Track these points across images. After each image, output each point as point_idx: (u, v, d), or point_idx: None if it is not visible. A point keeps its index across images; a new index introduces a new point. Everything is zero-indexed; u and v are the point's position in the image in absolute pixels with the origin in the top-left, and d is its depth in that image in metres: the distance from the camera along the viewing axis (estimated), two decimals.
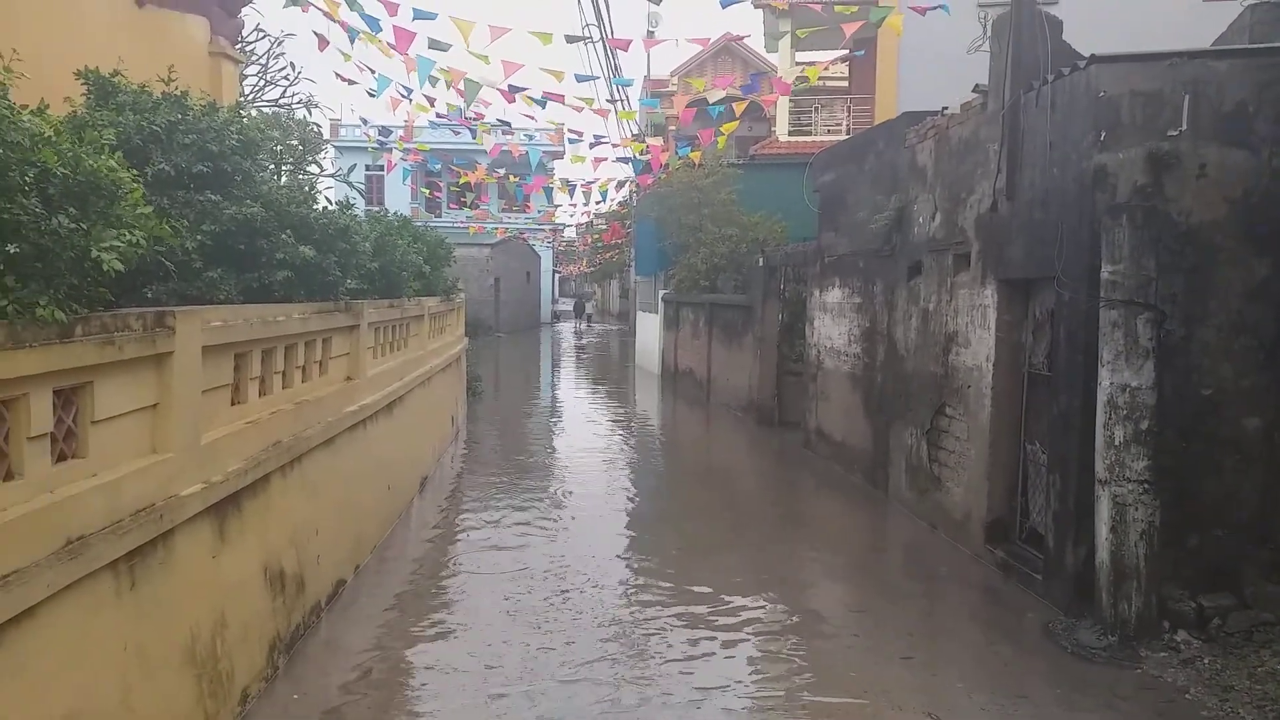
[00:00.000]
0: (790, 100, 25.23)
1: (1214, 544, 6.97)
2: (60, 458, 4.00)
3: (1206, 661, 6.25)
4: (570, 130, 18.45)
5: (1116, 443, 6.66)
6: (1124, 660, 6.43)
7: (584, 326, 53.32)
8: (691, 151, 19.65)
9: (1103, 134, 7.06)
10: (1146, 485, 6.60)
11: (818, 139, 24.35)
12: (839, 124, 26.12)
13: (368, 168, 34.64)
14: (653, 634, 7.02)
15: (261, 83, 20.69)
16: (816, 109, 26.42)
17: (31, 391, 3.68)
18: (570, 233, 60.80)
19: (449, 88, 13.81)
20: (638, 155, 20.13)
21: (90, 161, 3.81)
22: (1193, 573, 6.91)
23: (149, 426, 4.71)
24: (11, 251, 3.52)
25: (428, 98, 16.63)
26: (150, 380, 4.67)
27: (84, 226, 3.76)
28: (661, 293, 25.38)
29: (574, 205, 33.11)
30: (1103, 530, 6.73)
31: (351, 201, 8.99)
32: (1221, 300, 7.00)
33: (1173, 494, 6.83)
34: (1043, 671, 6.45)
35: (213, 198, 6.42)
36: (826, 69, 24.04)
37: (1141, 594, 6.60)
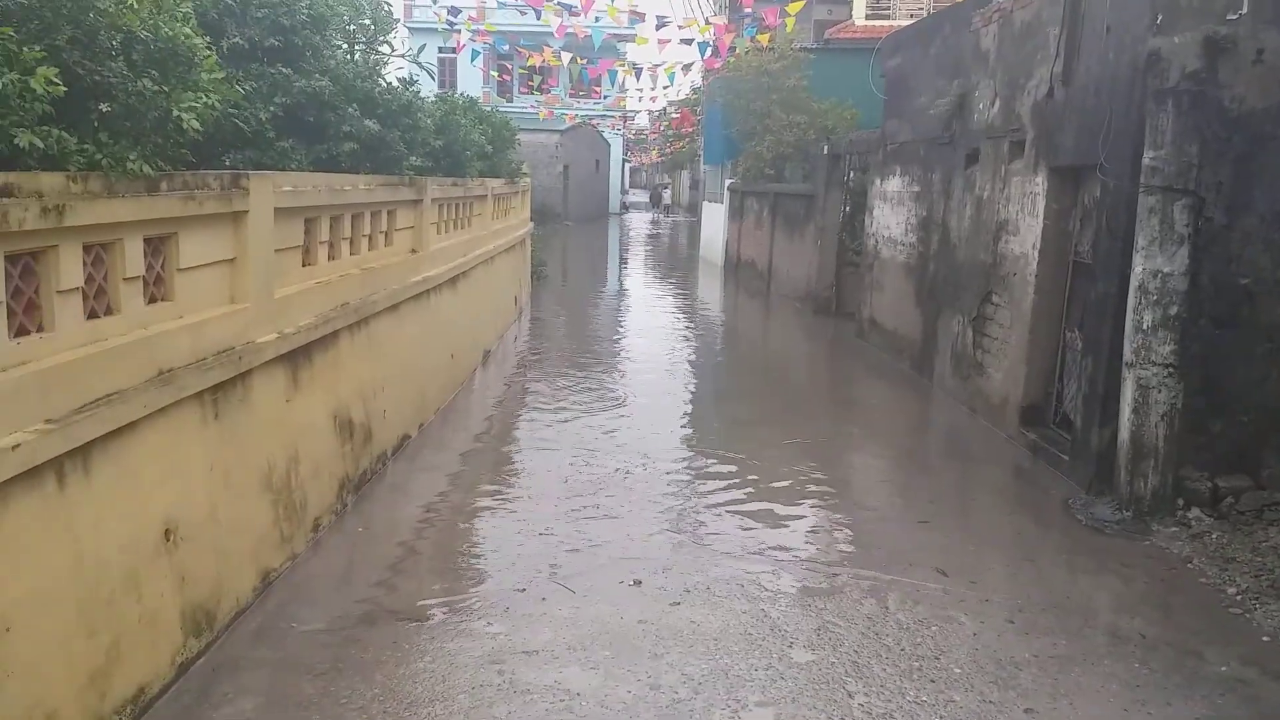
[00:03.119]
0: None
1: (1237, 428, 7.09)
2: (151, 300, 4.54)
3: (1214, 536, 6.50)
4: (632, 11, 18.14)
5: (1144, 327, 6.81)
6: (1135, 533, 6.73)
7: (661, 216, 54.30)
8: (759, 33, 19.25)
9: (1159, 17, 6.95)
10: (1171, 369, 6.77)
11: (897, 23, 23.54)
12: (921, 7, 25.17)
13: (440, 49, 34.50)
14: (699, 499, 7.52)
15: None
16: None
17: (125, 237, 4.20)
18: (642, 119, 59.88)
19: None
20: (702, 37, 19.74)
21: (168, 29, 4.21)
22: (1213, 455, 7.08)
23: (227, 278, 5.25)
24: (104, 110, 3.98)
25: None
26: (228, 236, 5.18)
27: (165, 89, 4.19)
28: (727, 182, 25.26)
29: (640, 90, 32.62)
30: (1125, 411, 6.94)
31: (415, 79, 9.27)
32: (1267, 189, 6.95)
33: (1200, 379, 6.97)
34: (1054, 540, 6.81)
35: (284, 71, 6.80)
36: None
37: (1158, 472, 6.85)
